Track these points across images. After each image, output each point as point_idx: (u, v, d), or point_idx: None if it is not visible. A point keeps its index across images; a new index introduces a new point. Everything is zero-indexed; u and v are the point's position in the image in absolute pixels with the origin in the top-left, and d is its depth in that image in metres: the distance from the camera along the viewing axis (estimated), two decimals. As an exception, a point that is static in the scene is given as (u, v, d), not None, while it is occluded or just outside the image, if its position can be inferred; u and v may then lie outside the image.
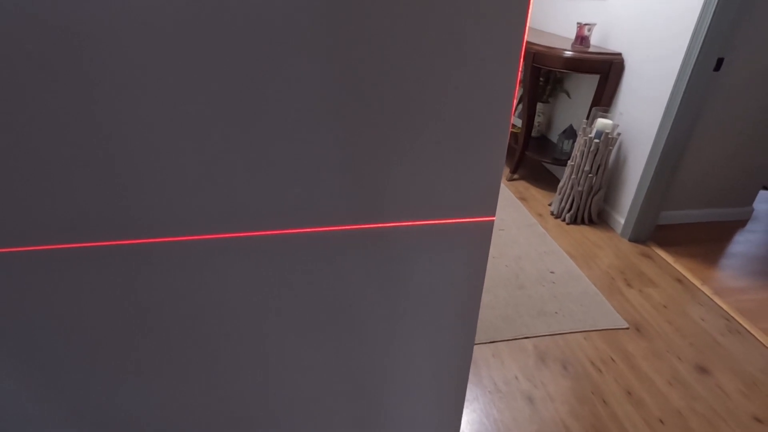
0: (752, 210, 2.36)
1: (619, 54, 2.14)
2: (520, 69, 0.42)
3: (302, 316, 0.52)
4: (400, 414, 0.67)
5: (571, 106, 2.73)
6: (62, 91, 0.35)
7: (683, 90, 1.76)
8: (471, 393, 1.39)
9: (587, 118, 2.26)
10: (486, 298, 1.79)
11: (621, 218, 2.22)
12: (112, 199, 0.41)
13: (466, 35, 0.38)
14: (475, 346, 1.56)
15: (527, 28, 0.40)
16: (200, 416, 0.59)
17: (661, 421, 1.28)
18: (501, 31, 0.38)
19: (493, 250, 2.10)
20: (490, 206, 0.46)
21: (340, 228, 0.45)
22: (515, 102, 0.39)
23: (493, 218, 0.46)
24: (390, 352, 0.57)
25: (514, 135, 2.95)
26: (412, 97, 0.40)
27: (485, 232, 0.47)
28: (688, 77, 1.73)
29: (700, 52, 1.68)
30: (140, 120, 0.37)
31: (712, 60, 1.70)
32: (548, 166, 3.00)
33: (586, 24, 2.22)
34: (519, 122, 2.93)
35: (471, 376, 1.44)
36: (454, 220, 0.45)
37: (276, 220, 0.44)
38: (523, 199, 2.60)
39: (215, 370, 0.54)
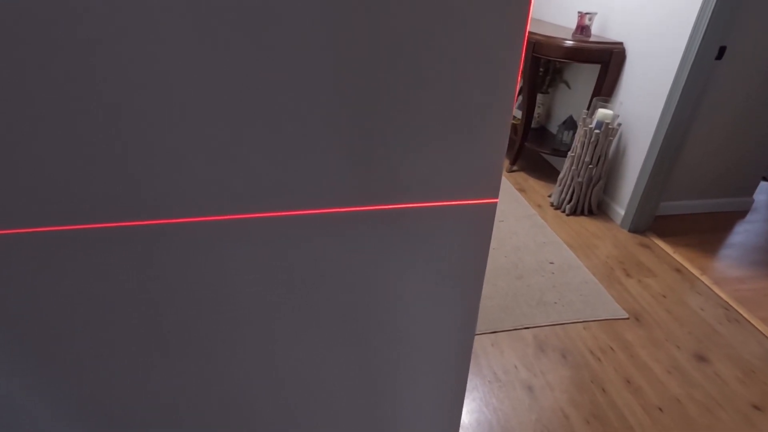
0: (752, 201, 2.36)
1: (621, 43, 2.13)
2: (524, 49, 0.41)
3: (306, 297, 0.51)
4: (401, 399, 0.67)
5: (571, 97, 2.72)
6: (75, 73, 0.34)
7: (685, 79, 1.75)
8: (470, 382, 1.39)
9: (588, 109, 2.24)
10: (485, 288, 1.79)
11: (621, 209, 2.21)
12: (123, 181, 0.40)
13: (470, 15, 0.37)
14: (475, 336, 1.56)
15: (531, 7, 0.39)
16: (206, 400, 0.58)
17: (660, 409, 1.29)
18: (504, 11, 0.37)
19: (492, 241, 2.10)
20: (492, 188, 0.45)
21: (343, 209, 0.44)
22: (518, 84, 0.38)
23: (496, 200, 0.46)
24: (392, 336, 0.57)
25: (513, 126, 2.94)
26: (415, 78, 0.39)
27: (488, 214, 0.46)
28: (689, 66, 1.72)
29: (702, 40, 1.66)
30: (151, 102, 0.36)
31: (714, 48, 1.69)
32: (547, 157, 2.99)
33: (586, 13, 2.20)
34: (518, 113, 2.92)
35: (471, 366, 1.44)
36: (456, 202, 0.45)
37: (281, 201, 0.43)
38: (522, 190, 2.59)
39: (226, 351, 0.54)
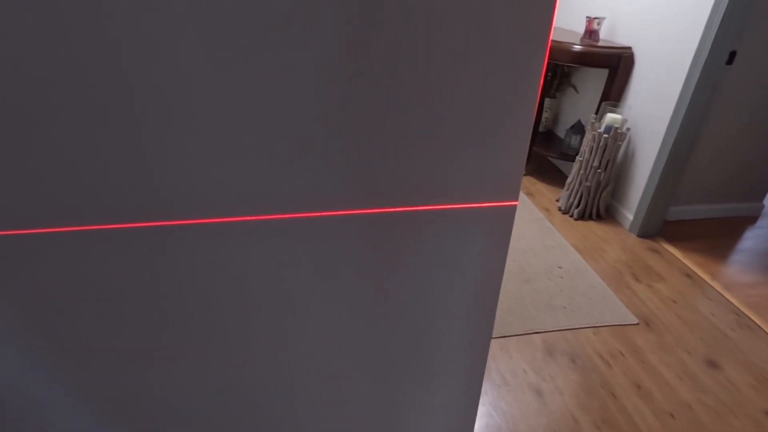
0: (763, 206, 2.34)
1: (629, 48, 2.13)
2: (547, 54, 0.41)
3: (322, 300, 0.52)
4: (415, 404, 0.67)
5: (579, 101, 2.71)
6: (92, 77, 0.35)
7: (695, 84, 1.74)
8: (482, 384, 1.39)
9: (596, 113, 2.24)
10: (493, 292, 1.79)
11: (629, 213, 2.21)
12: (136, 182, 0.41)
13: (494, 20, 0.38)
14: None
15: (555, 12, 0.40)
16: (219, 398, 0.59)
17: (672, 415, 1.28)
18: (528, 14, 0.38)
19: (500, 245, 2.10)
20: (513, 190, 0.46)
21: (364, 212, 0.45)
22: (540, 88, 0.39)
23: (516, 203, 0.46)
24: (409, 338, 0.58)
25: (521, 130, 2.94)
26: (437, 81, 0.40)
27: (508, 216, 0.47)
28: (699, 71, 1.72)
29: (712, 45, 1.66)
30: (165, 108, 0.37)
31: (724, 53, 1.68)
32: (555, 161, 2.99)
33: (595, 18, 2.20)
34: (526, 117, 2.90)
35: (479, 369, 1.44)
36: (478, 205, 0.45)
37: (300, 202, 0.44)
38: (529, 194, 2.59)
39: (238, 352, 0.54)
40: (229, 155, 0.41)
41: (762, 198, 2.31)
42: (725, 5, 1.59)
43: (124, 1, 0.33)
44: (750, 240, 2.15)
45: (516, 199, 0.46)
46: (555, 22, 2.86)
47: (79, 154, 0.39)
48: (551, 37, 2.26)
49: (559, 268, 1.94)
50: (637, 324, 1.61)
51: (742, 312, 1.67)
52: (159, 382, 0.56)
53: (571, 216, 2.33)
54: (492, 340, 1.56)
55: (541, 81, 0.41)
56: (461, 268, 0.50)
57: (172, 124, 0.38)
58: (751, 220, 2.31)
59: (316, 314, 0.53)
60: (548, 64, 2.42)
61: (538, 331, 1.59)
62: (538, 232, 2.21)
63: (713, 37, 1.65)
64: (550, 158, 3.03)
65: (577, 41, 2.23)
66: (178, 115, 0.38)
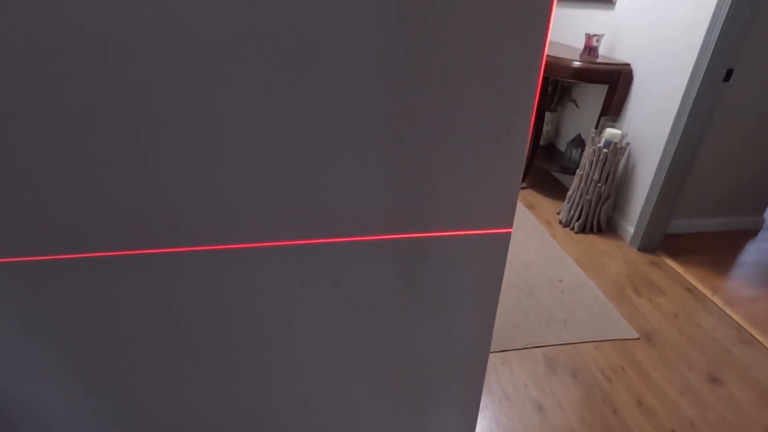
0: (763, 220, 2.35)
1: (628, 64, 2.16)
2: (540, 83, 0.44)
3: (324, 321, 0.54)
4: (418, 418, 0.69)
5: (579, 116, 2.75)
6: (102, 108, 0.38)
7: (692, 100, 1.77)
8: (481, 401, 1.39)
9: (596, 128, 2.27)
10: (495, 305, 1.80)
11: (630, 227, 2.22)
12: (148, 211, 0.43)
13: (485, 50, 0.40)
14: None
15: (547, 42, 0.43)
16: (228, 412, 0.61)
17: (673, 431, 1.28)
18: (520, 47, 0.41)
19: (501, 258, 2.11)
20: (507, 218, 0.48)
21: (364, 238, 0.47)
22: (533, 118, 0.42)
23: (510, 230, 0.48)
24: (408, 359, 0.59)
25: (522, 143, 2.97)
26: (433, 115, 0.42)
27: (503, 243, 0.49)
28: (697, 88, 1.74)
29: (709, 62, 1.69)
30: (176, 134, 0.40)
31: (721, 71, 1.71)
32: (556, 174, 3.01)
33: (594, 35, 2.24)
34: (527, 131, 2.94)
35: (481, 384, 1.45)
36: (472, 232, 0.47)
37: (302, 230, 0.46)
38: (531, 207, 2.60)
39: (250, 373, 0.56)
40: (240, 187, 0.43)
41: (762, 211, 2.32)
42: (721, 24, 1.62)
43: (127, 51, 0.36)
44: (751, 254, 2.16)
45: (510, 227, 0.48)
46: (556, 38, 2.91)
47: (93, 181, 0.41)
48: (546, 59, 2.29)
49: (561, 281, 1.95)
50: (638, 339, 1.62)
51: (743, 327, 1.67)
52: (173, 399, 0.57)
53: (572, 229, 2.34)
54: (494, 354, 1.57)
55: (533, 118, 0.43)
56: (458, 293, 0.52)
57: (193, 152, 0.41)
58: (752, 233, 2.32)
59: (320, 333, 0.55)
60: (549, 79, 2.45)
61: (539, 345, 1.59)
62: (540, 245, 2.22)
63: (710, 55, 1.68)
64: (551, 171, 3.05)
65: (577, 57, 2.26)
66: (198, 144, 0.41)
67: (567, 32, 2.76)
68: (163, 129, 0.39)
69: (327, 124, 0.41)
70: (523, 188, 2.84)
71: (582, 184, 2.25)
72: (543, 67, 0.43)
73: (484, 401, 1.39)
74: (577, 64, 2.20)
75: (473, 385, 0.63)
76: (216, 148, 0.41)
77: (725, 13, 1.60)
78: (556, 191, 2.81)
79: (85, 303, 0.48)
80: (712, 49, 1.67)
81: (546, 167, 2.69)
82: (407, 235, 0.47)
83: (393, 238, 0.47)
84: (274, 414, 0.62)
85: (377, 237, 0.47)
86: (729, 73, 1.72)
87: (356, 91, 0.40)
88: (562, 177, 2.94)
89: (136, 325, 0.50)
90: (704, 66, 1.70)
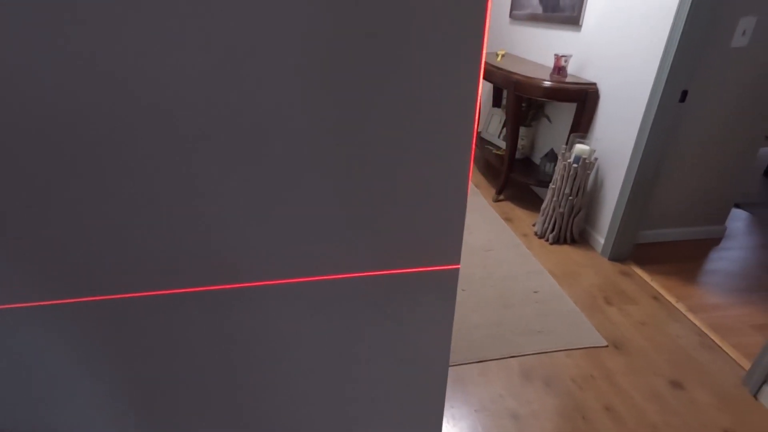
0: (725, 228, 2.48)
1: (594, 84, 2.28)
2: (475, 133, 0.51)
3: (309, 351, 0.59)
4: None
5: (553, 130, 2.86)
6: (159, 156, 0.43)
7: (652, 119, 1.88)
8: (458, 411, 1.45)
9: (566, 144, 2.38)
10: (474, 317, 1.86)
11: (601, 238, 2.32)
12: (202, 252, 0.48)
13: (421, 96, 0.46)
14: (463, 366, 1.63)
15: (480, 89, 0.49)
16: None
17: (638, 436, 1.35)
18: (453, 97, 0.47)
19: (481, 271, 2.19)
20: (454, 256, 0.54)
21: (333, 277, 0.53)
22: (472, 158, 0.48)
23: (458, 266, 0.55)
24: (369, 389, 0.65)
25: (499, 157, 3.07)
26: (378, 160, 0.48)
27: (452, 278, 0.55)
28: (656, 108, 1.86)
29: (666, 84, 1.81)
30: (222, 188, 0.45)
31: (677, 92, 1.83)
32: (532, 187, 3.11)
33: (562, 55, 2.35)
34: (503, 144, 3.05)
35: (459, 395, 1.50)
36: (420, 269, 0.54)
37: (280, 270, 0.52)
38: (508, 219, 2.69)
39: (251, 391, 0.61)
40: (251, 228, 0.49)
41: (724, 220, 2.45)
42: (675, 48, 1.74)
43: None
44: (714, 261, 2.27)
45: (458, 264, 0.55)
46: (528, 56, 3.03)
47: (154, 229, 0.46)
48: (519, 78, 2.39)
49: (536, 293, 2.03)
50: (607, 347, 1.70)
51: (705, 333, 1.76)
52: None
53: (547, 240, 2.44)
54: (472, 366, 1.63)
55: (470, 165, 0.49)
56: (414, 325, 0.58)
57: (231, 206, 0.46)
58: (716, 241, 2.44)
59: (304, 364, 0.60)
60: (522, 97, 2.56)
61: (515, 355, 1.66)
62: (517, 257, 2.30)
63: (666, 77, 1.79)
64: (528, 184, 3.15)
65: (548, 76, 2.37)
66: (237, 198, 0.46)
67: (539, 51, 2.88)
68: (208, 187, 0.45)
69: (284, 185, 0.47)
70: (500, 201, 2.93)
71: (555, 198, 2.35)
72: (479, 106, 0.50)
73: (462, 412, 1.45)
74: (547, 83, 2.31)
75: (435, 402, 0.69)
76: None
77: (678, 38, 1.72)
78: (533, 203, 2.90)
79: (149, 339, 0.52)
80: (667, 72, 1.78)
81: (523, 180, 2.79)
82: (365, 274, 0.53)
83: (354, 277, 0.53)
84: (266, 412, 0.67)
85: (339, 276, 0.53)
86: (684, 94, 1.84)
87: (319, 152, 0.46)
88: (538, 190, 3.04)
89: (190, 357, 0.55)
90: (661, 87, 1.82)
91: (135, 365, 0.57)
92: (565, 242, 2.42)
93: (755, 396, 1.48)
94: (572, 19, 2.42)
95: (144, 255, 0.48)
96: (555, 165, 2.69)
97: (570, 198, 2.28)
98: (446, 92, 0.46)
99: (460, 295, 2.00)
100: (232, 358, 0.58)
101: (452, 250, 0.53)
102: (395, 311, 0.57)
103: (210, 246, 0.49)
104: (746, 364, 1.59)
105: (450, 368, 1.61)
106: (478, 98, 0.48)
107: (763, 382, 1.46)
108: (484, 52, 0.45)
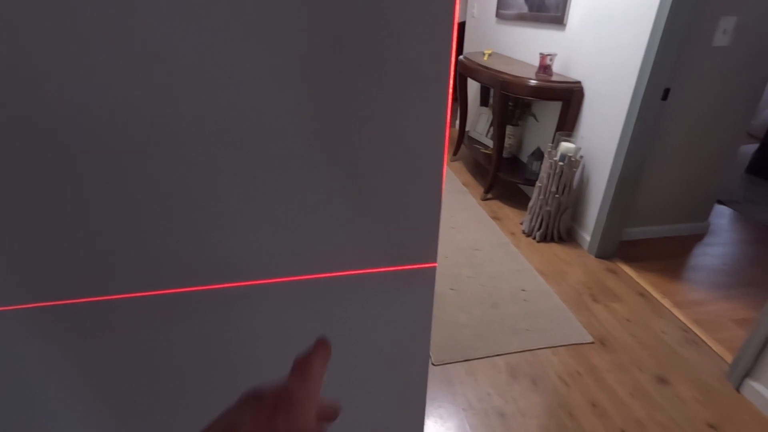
0: (709, 224, 2.51)
1: (579, 82, 2.29)
2: (447, 134, 0.50)
3: (277, 354, 0.58)
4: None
5: (540, 129, 2.88)
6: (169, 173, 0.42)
7: (635, 117, 1.90)
8: (446, 411, 1.44)
9: (552, 142, 2.39)
10: (462, 317, 1.86)
11: (587, 235, 2.34)
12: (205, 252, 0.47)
13: (393, 96, 0.46)
14: (451, 365, 1.62)
15: (451, 84, 0.49)
16: None
17: (623, 432, 1.36)
18: (425, 95, 0.46)
19: (469, 270, 2.19)
20: (430, 254, 0.53)
21: (310, 277, 0.52)
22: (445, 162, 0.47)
23: (435, 264, 0.54)
24: (350, 387, 0.64)
25: (487, 156, 3.08)
26: (355, 160, 0.47)
27: (429, 276, 0.54)
28: (639, 106, 1.87)
29: (648, 82, 1.82)
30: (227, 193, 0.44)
31: (659, 90, 1.85)
32: (520, 185, 3.13)
33: (548, 54, 2.37)
34: (491, 143, 3.06)
35: (446, 395, 1.50)
36: (396, 268, 0.53)
37: (258, 271, 0.51)
38: (496, 218, 2.70)
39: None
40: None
41: (707, 216, 2.48)
42: (656, 47, 1.75)
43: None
44: (698, 257, 2.31)
45: (434, 262, 0.54)
46: (514, 55, 3.04)
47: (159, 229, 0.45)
48: (506, 77, 2.40)
49: (523, 291, 2.04)
50: (593, 343, 1.71)
51: (690, 329, 1.78)
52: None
53: (534, 238, 2.45)
54: (459, 365, 1.62)
55: (443, 171, 0.49)
56: (393, 323, 0.57)
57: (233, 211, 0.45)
58: (699, 237, 2.48)
59: (281, 363, 0.59)
60: (508, 96, 2.57)
61: (502, 353, 1.66)
62: (504, 256, 2.31)
63: (648, 75, 1.81)
64: (516, 183, 3.17)
65: (533, 75, 2.39)
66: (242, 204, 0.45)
67: (525, 50, 2.90)
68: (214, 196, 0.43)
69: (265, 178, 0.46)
70: (489, 199, 2.94)
71: (541, 196, 2.36)
72: (449, 110, 0.49)
73: (450, 411, 1.45)
74: (533, 82, 2.32)
75: (416, 405, 0.68)
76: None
77: (659, 37, 1.73)
78: (521, 202, 2.92)
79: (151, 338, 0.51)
80: (650, 70, 1.80)
81: (510, 179, 2.80)
82: (340, 273, 0.52)
83: (331, 276, 0.52)
84: None
85: (316, 276, 0.52)
86: (666, 92, 1.86)
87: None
88: (526, 188, 3.06)
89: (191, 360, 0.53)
90: (644, 86, 1.83)
91: (127, 367, 0.55)
92: (552, 240, 2.44)
93: (738, 389, 1.50)
94: (557, 18, 2.43)
95: (123, 256, 0.47)
96: (542, 163, 2.70)
97: (556, 196, 2.29)
98: (417, 91, 0.45)
99: (448, 295, 2.00)
100: (207, 358, 0.57)
101: (429, 248, 0.53)
102: (374, 309, 0.56)
103: (188, 247, 0.48)
104: (729, 358, 1.61)
105: (437, 368, 1.61)
106: (449, 95, 0.48)
107: (746, 376, 1.48)
108: (454, 45, 0.44)
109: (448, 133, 0.49)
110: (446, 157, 0.50)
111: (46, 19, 0.36)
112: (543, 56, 2.38)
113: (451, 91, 0.48)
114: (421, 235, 0.52)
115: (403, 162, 0.48)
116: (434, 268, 0.54)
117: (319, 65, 0.41)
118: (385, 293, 0.54)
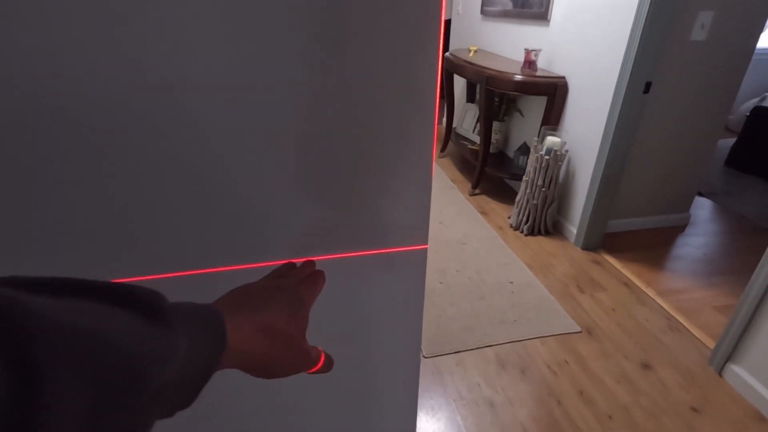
0: (689, 216, 2.58)
1: (563, 77, 2.33)
2: (436, 124, 0.50)
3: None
4: (358, 420, 0.73)
5: (525, 124, 2.91)
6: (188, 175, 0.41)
7: (618, 111, 1.94)
8: (436, 401, 1.46)
9: (538, 137, 2.42)
10: (450, 310, 1.88)
11: (573, 228, 2.37)
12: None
13: (385, 78, 0.46)
14: (440, 357, 1.63)
15: (440, 67, 0.49)
16: None
17: (610, 417, 1.39)
18: (415, 79, 0.47)
19: (456, 264, 2.20)
20: (422, 236, 0.54)
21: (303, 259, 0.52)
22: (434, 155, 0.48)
23: (426, 246, 0.54)
24: (348, 366, 0.64)
25: (474, 152, 3.10)
26: (346, 143, 0.47)
27: (420, 258, 0.55)
28: (621, 99, 1.91)
29: (630, 76, 1.86)
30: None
31: (641, 84, 1.89)
32: (507, 180, 3.16)
33: (532, 50, 2.40)
34: (478, 139, 3.09)
35: (436, 386, 1.51)
36: (389, 250, 0.53)
37: (246, 254, 0.50)
38: (484, 213, 2.73)
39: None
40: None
41: (688, 208, 2.55)
42: (638, 41, 1.79)
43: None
44: (680, 247, 2.36)
45: (425, 244, 0.54)
46: (499, 51, 3.07)
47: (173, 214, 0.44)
48: (491, 72, 2.42)
49: (511, 283, 2.06)
50: (580, 332, 1.74)
51: (672, 316, 1.83)
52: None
53: (522, 232, 2.48)
54: (449, 357, 1.64)
55: (433, 159, 0.49)
56: (385, 305, 0.58)
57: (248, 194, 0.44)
58: (681, 228, 2.54)
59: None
60: (494, 91, 2.59)
61: (491, 344, 1.68)
62: (492, 249, 2.33)
63: (630, 69, 1.85)
64: (503, 178, 3.20)
65: (518, 71, 2.41)
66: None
67: (510, 45, 2.93)
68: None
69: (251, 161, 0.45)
70: (476, 195, 2.97)
71: (528, 190, 2.39)
72: (437, 101, 0.50)
73: (440, 402, 1.46)
74: (518, 77, 2.34)
75: (409, 386, 0.69)
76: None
77: (640, 31, 1.77)
78: (508, 196, 2.95)
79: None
80: (631, 65, 1.84)
81: (497, 174, 2.83)
82: (336, 256, 0.52)
83: (324, 259, 0.52)
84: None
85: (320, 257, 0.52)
86: (648, 86, 1.90)
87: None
88: (513, 183, 3.09)
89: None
90: (626, 80, 1.87)
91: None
92: (539, 233, 2.47)
93: (720, 373, 1.55)
94: (541, 14, 2.46)
95: (136, 239, 0.46)
96: (528, 158, 2.73)
97: (543, 190, 2.32)
98: (407, 74, 0.45)
99: (437, 288, 2.01)
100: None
101: (420, 231, 0.53)
102: (366, 292, 0.56)
103: (178, 234, 0.47)
104: (711, 344, 1.65)
105: (427, 360, 1.61)
106: (438, 78, 0.48)
107: (727, 360, 1.52)
108: (441, 42, 0.44)
109: (437, 129, 0.49)
110: (435, 150, 0.51)
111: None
112: (528, 52, 2.41)
113: (440, 69, 0.48)
114: (411, 217, 0.52)
115: (395, 148, 0.48)
116: (425, 250, 0.54)
117: (309, 63, 0.41)
118: (377, 276, 0.54)
